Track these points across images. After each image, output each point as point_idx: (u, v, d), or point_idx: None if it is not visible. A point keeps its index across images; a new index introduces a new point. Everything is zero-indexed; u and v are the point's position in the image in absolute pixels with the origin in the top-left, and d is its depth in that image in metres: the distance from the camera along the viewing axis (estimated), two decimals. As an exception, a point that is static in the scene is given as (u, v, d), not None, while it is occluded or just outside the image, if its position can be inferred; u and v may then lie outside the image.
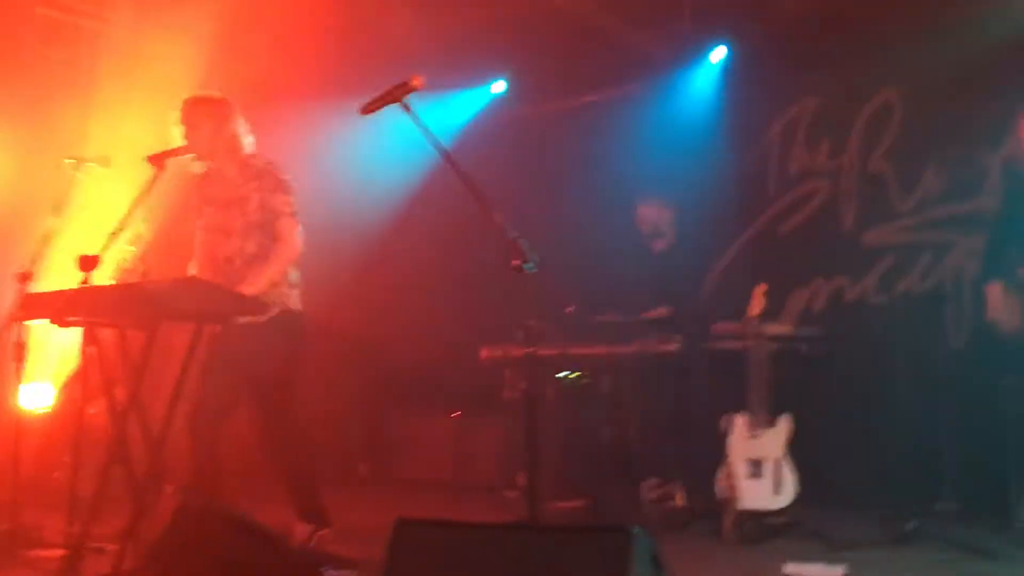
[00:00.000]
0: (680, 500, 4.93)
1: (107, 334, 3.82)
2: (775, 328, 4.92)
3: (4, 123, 5.61)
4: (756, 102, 6.31)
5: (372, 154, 6.48)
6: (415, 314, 6.99)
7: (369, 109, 3.30)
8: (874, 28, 5.71)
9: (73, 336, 3.99)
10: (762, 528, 4.44)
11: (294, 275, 4.14)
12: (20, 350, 4.10)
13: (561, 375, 5.48)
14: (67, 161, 4.35)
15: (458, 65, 6.57)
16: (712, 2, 6.12)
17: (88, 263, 3.55)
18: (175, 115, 4.05)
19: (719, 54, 6.44)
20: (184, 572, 2.83)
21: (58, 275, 4.19)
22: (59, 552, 3.68)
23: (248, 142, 4.14)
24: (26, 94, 5.70)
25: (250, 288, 3.90)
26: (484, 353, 5.51)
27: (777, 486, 4.46)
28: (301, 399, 4.23)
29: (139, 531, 3.40)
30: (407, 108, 3.28)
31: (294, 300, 4.11)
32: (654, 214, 5.59)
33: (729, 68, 6.43)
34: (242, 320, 3.86)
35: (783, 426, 4.54)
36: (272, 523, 3.18)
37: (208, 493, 3.75)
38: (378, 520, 2.73)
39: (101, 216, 4.02)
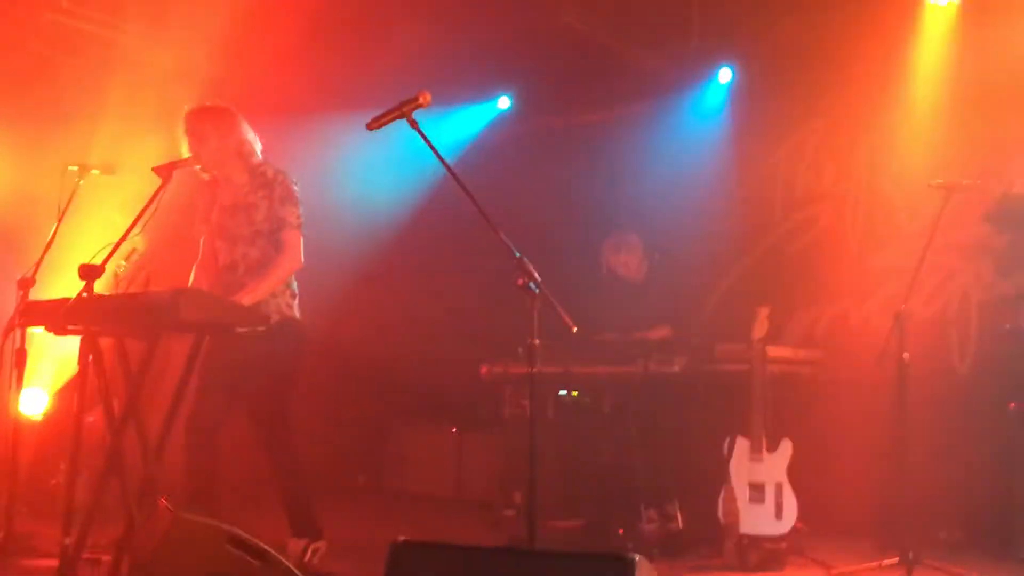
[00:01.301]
0: (679, 523, 4.89)
1: (106, 343, 3.80)
2: (778, 350, 4.89)
3: (8, 128, 5.61)
4: (762, 124, 6.31)
5: (377, 168, 6.48)
6: (417, 328, 6.97)
7: (376, 124, 3.30)
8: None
9: (71, 343, 3.97)
10: (763, 553, 4.40)
11: (294, 284, 4.13)
12: (20, 356, 4.09)
13: (562, 394, 5.45)
14: (71, 168, 4.35)
15: (464, 80, 6.57)
16: (719, 24, 6.12)
17: (90, 272, 3.53)
18: (180, 126, 4.05)
19: (725, 76, 6.44)
20: (177, 587, 2.80)
21: (59, 283, 4.17)
22: (53, 562, 3.65)
23: (257, 148, 4.14)
24: (32, 100, 5.70)
25: (249, 298, 3.89)
26: (484, 370, 5.48)
27: (779, 511, 4.42)
28: (301, 410, 4.21)
29: (133, 543, 3.37)
30: (414, 124, 3.27)
31: (294, 309, 4.10)
32: (613, 250, 5.58)
33: (735, 89, 6.43)
34: (241, 330, 3.85)
35: (785, 450, 4.50)
36: (267, 537, 3.14)
37: (203, 506, 3.72)
38: (374, 534, 2.71)
39: (104, 225, 4.00)
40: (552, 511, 5.01)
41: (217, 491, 3.95)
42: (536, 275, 3.15)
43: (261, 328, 3.83)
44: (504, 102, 7.19)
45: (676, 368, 4.99)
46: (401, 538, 2.41)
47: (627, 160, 6.50)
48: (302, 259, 4.09)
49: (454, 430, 6.70)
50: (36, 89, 5.70)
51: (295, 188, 4.09)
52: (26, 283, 4.09)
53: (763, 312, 4.62)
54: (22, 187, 5.44)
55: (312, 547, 4.03)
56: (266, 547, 3.02)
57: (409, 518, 5.74)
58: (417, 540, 2.40)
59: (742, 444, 4.53)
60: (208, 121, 4.04)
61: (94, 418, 4.44)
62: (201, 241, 4.21)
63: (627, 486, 5.12)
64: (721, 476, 4.54)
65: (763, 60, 6.17)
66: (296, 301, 4.12)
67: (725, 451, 4.56)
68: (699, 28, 6.18)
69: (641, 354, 5.08)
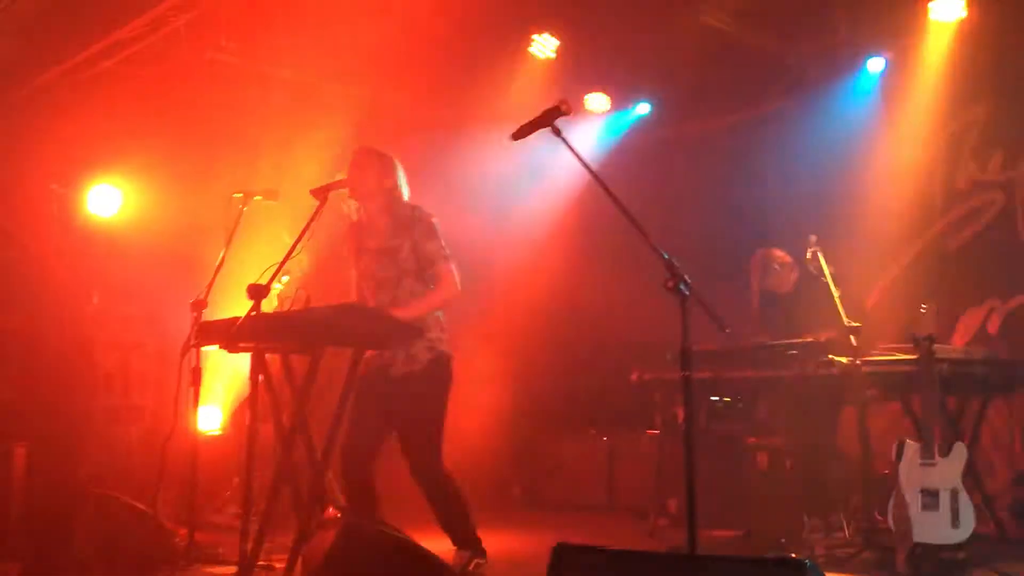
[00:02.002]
0: (846, 532, 4.69)
1: (275, 359, 4.00)
2: (946, 350, 4.62)
3: (181, 161, 6.01)
4: (918, 113, 6.01)
5: (517, 179, 6.56)
6: (567, 336, 7.00)
7: (521, 134, 3.33)
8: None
9: (243, 361, 4.19)
10: (939, 563, 4.16)
11: (442, 318, 4.21)
12: (196, 375, 4.33)
13: (714, 399, 5.34)
14: (236, 195, 4.59)
15: (604, 88, 6.58)
16: (867, 10, 5.88)
17: (257, 292, 3.73)
18: (346, 159, 4.23)
19: (876, 65, 6.18)
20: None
21: (229, 303, 4.41)
22: (232, 568, 3.85)
23: (405, 193, 4.27)
24: (200, 135, 6.09)
25: (405, 313, 4.00)
26: (635, 376, 5.44)
27: (954, 518, 4.17)
28: (454, 424, 4.29)
29: (305, 550, 3.52)
30: (557, 132, 3.28)
31: (444, 343, 4.18)
32: (761, 269, 5.41)
33: (887, 79, 6.16)
34: (398, 371, 3.98)
35: (959, 454, 4.25)
36: (432, 549, 3.21)
37: (367, 516, 3.84)
38: (530, 545, 2.72)
39: (268, 246, 4.21)
40: (708, 520, 4.91)
41: (375, 507, 4.06)
42: (685, 277, 3.10)
43: (414, 368, 3.97)
44: (644, 108, 7.15)
45: (834, 370, 4.81)
46: (563, 542, 2.41)
47: (774, 159, 6.34)
48: (458, 288, 4.17)
49: (605, 439, 6.67)
50: (203, 125, 6.08)
51: (435, 221, 4.19)
52: (199, 305, 4.32)
53: (929, 309, 4.38)
54: (193, 215, 5.81)
55: (476, 560, 4.09)
56: (433, 554, 3.09)
57: (564, 527, 5.74)
58: (579, 544, 2.40)
59: (911, 448, 4.30)
60: (371, 157, 4.23)
61: (264, 432, 4.65)
62: (353, 284, 4.34)
63: (787, 494, 4.96)
64: (890, 482, 4.33)
65: (916, 45, 5.89)
66: (445, 336, 4.20)
67: (893, 456, 4.34)
68: (846, 16, 5.96)
69: (797, 357, 4.92)
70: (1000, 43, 5.53)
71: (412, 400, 4.05)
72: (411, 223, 4.16)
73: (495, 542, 4.26)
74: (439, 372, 4.12)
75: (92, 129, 5.79)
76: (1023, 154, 5.68)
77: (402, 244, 4.14)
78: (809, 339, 5.02)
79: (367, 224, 4.26)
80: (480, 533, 4.15)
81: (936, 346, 4.37)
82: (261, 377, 3.88)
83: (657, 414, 5.69)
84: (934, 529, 4.19)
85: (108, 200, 6.06)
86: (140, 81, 5.85)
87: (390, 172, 4.24)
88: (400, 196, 4.25)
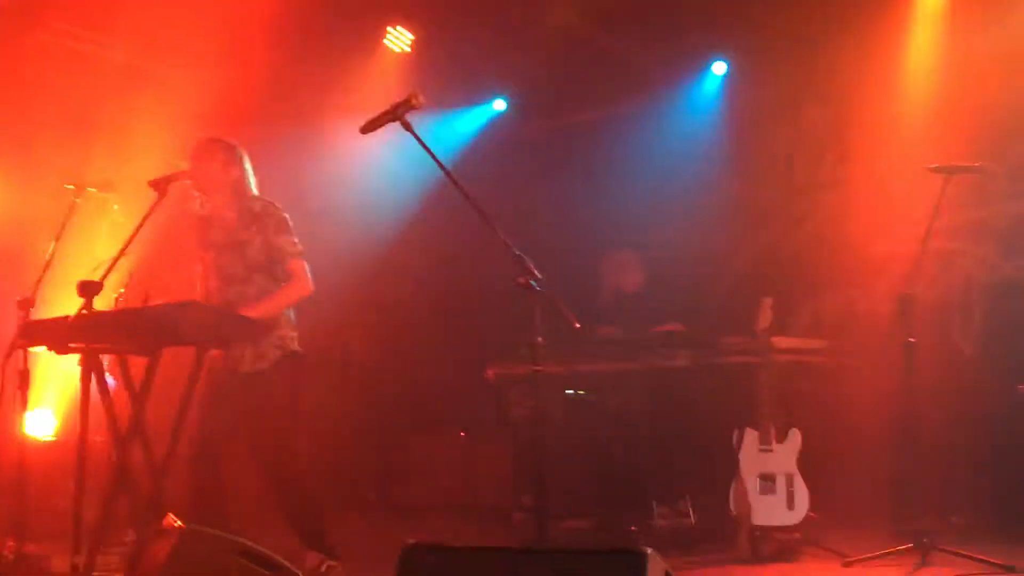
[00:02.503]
0: (692, 517, 4.86)
1: (110, 360, 3.79)
2: (783, 341, 4.87)
3: (7, 148, 5.61)
4: (759, 114, 6.29)
5: (372, 174, 6.47)
6: (419, 334, 6.96)
7: (370, 127, 3.28)
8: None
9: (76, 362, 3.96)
10: (776, 544, 4.38)
11: (293, 317, 4.10)
12: (24, 377, 4.07)
13: (569, 393, 5.43)
14: (67, 187, 4.34)
15: (459, 83, 6.56)
16: (711, 15, 6.10)
17: (88, 288, 3.52)
18: (188, 149, 4.05)
19: (720, 68, 6.43)
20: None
21: (60, 301, 4.16)
22: (64, 582, 3.64)
23: (252, 183, 4.12)
24: (27, 120, 5.69)
25: (254, 311, 3.87)
26: (491, 372, 5.46)
27: (790, 501, 4.40)
28: (306, 425, 4.19)
29: (142, 560, 3.35)
30: (407, 126, 3.25)
31: (294, 342, 4.08)
32: (613, 271, 5.61)
33: (730, 81, 6.42)
34: (245, 368, 3.86)
35: (794, 440, 4.48)
36: (279, 553, 3.11)
37: (211, 523, 3.70)
38: (386, 546, 2.68)
39: (102, 242, 4.00)
40: (563, 511, 4.99)
41: (224, 509, 3.94)
42: (537, 273, 3.14)
43: (262, 367, 3.85)
44: (499, 104, 7.19)
45: (681, 362, 4.98)
46: (411, 541, 2.38)
47: (623, 157, 6.49)
48: (311, 285, 4.07)
49: (462, 435, 6.67)
50: (31, 109, 5.69)
51: (286, 216, 4.07)
52: (26, 303, 4.06)
53: (766, 303, 4.60)
54: (20, 207, 5.44)
55: (327, 563, 4.00)
56: (278, 558, 3.00)
57: (421, 528, 5.71)
58: (427, 542, 2.38)
59: (751, 436, 4.51)
60: (213, 147, 4.06)
61: (100, 438, 4.42)
62: (197, 280, 4.17)
63: (638, 483, 5.10)
64: (731, 469, 4.52)
65: (757, 49, 6.16)
66: (295, 334, 4.10)
67: (734, 443, 4.54)
68: (692, 20, 6.16)
69: (645, 349, 5.07)
70: (828, 47, 5.84)
71: (261, 398, 3.94)
72: (261, 217, 4.03)
73: (349, 546, 4.19)
74: (289, 370, 4.02)
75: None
76: (853, 154, 6.02)
77: (251, 238, 4.01)
78: (660, 330, 5.18)
79: (213, 217, 4.10)
80: (332, 536, 4.08)
81: (773, 338, 4.61)
82: (93, 376, 3.67)
83: (513, 409, 5.73)
84: (772, 512, 4.40)
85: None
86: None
87: (236, 162, 4.09)
88: (247, 188, 4.11)
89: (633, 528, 4.81)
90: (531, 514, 5.51)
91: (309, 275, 4.06)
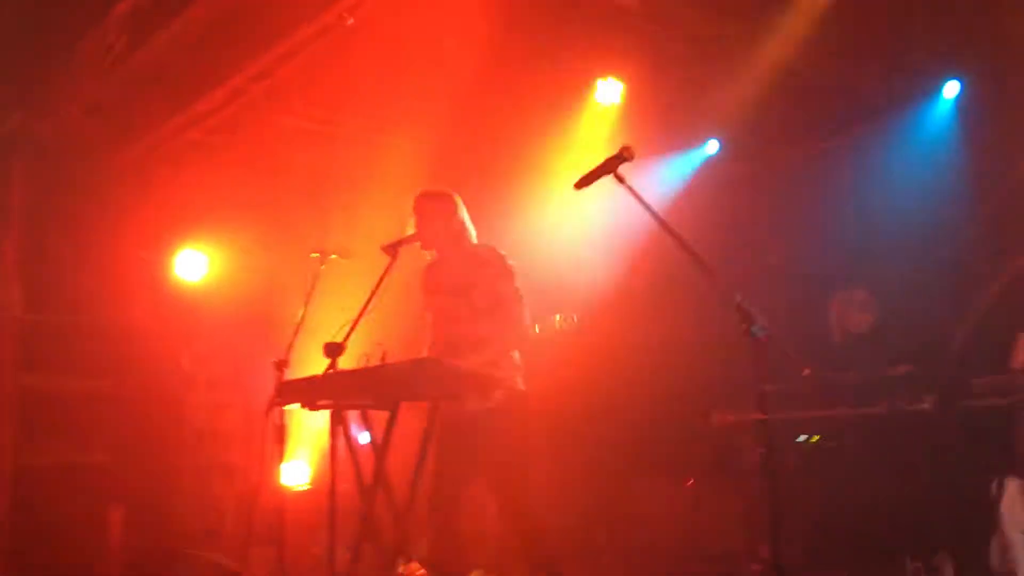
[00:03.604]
0: (948, 574, 4.48)
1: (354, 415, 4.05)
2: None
3: (258, 224, 6.20)
4: (1000, 136, 5.81)
5: (589, 224, 6.55)
6: (645, 382, 6.90)
7: (584, 183, 3.33)
8: None
9: (324, 417, 4.25)
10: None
11: (517, 357, 4.21)
12: (280, 432, 4.42)
13: (800, 439, 5.20)
14: (312, 255, 4.70)
15: (669, 129, 6.55)
16: (940, 32, 5.74)
17: (333, 350, 3.80)
18: (411, 207, 4.30)
19: (952, 89, 6.02)
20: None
21: (310, 361, 4.49)
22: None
23: (472, 232, 4.31)
24: (277, 196, 6.27)
25: (476, 360, 4.01)
26: (715, 418, 5.34)
27: (1063, 558, 3.96)
28: (535, 474, 4.26)
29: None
30: (621, 179, 3.28)
31: (519, 381, 4.18)
32: (844, 311, 5.31)
33: (964, 103, 5.98)
34: (472, 407, 3.99)
35: (1064, 490, 4.04)
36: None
37: (450, 567, 3.83)
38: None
39: (344, 304, 4.29)
40: (805, 565, 4.75)
41: (464, 555, 4.06)
42: (760, 319, 3.05)
43: (490, 403, 3.97)
44: (712, 146, 7.10)
45: (926, 405, 4.63)
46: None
47: (850, 191, 6.19)
48: (530, 330, 4.18)
49: (690, 482, 6.52)
50: (279, 186, 6.26)
51: (511, 263, 4.20)
52: (282, 364, 4.43)
53: (1023, 339, 4.21)
54: (274, 276, 5.96)
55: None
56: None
57: (650, 574, 5.62)
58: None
59: (1013, 485, 4.11)
60: (433, 204, 4.27)
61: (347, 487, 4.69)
62: (427, 324, 4.39)
63: (885, 536, 4.78)
64: (990, 522, 4.13)
65: (993, 67, 5.71)
66: (520, 373, 4.20)
67: (993, 494, 4.15)
68: (919, 40, 5.82)
69: (885, 393, 4.77)
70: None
71: (490, 437, 4.04)
72: (487, 263, 4.19)
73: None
74: (514, 408, 4.11)
75: (176, 197, 6.03)
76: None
77: (475, 283, 4.17)
78: (902, 371, 4.86)
79: (440, 264, 4.31)
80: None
81: (1034, 377, 4.20)
82: (341, 429, 3.94)
83: (744, 457, 5.56)
84: (1042, 570, 3.98)
85: (194, 265, 6.27)
86: (220, 150, 6.07)
87: (455, 212, 4.28)
88: (468, 235, 4.29)
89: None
90: (768, 567, 5.29)
91: (528, 321, 4.16)
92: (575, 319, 4.75)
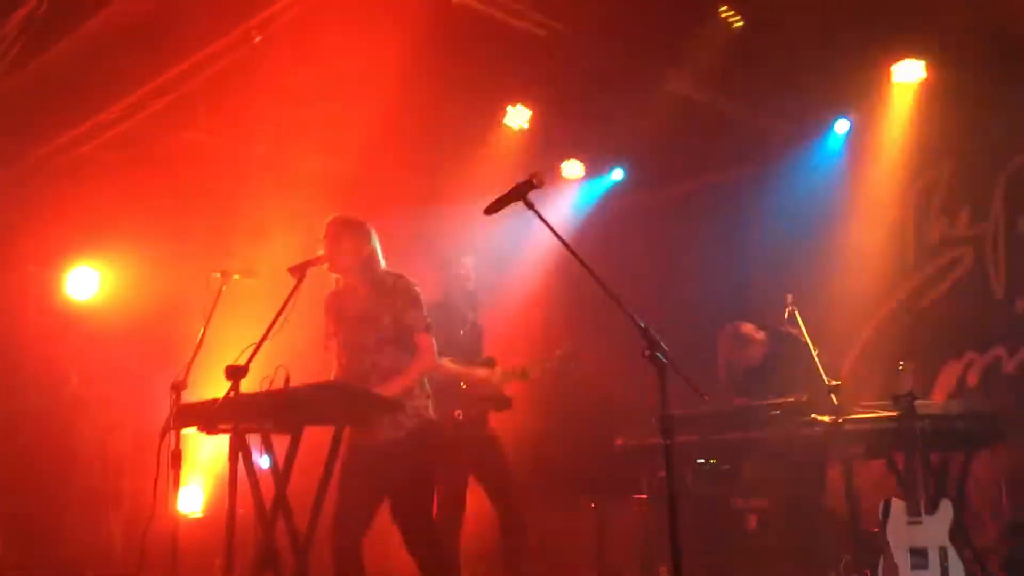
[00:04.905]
0: (839, 592, 4.64)
1: (254, 439, 3.96)
2: (927, 405, 4.65)
3: (158, 241, 6.04)
4: (885, 172, 6.12)
5: (495, 249, 6.59)
6: (548, 404, 6.96)
7: (493, 209, 3.37)
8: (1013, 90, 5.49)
9: (222, 441, 4.15)
10: (931, 623, 4.12)
11: (427, 386, 4.21)
12: (176, 457, 4.28)
13: (699, 462, 5.32)
14: (214, 275, 4.59)
15: (578, 155, 6.66)
16: (832, 73, 6.02)
17: (235, 372, 3.72)
18: (321, 230, 4.25)
19: (843, 127, 6.32)
20: None
21: (210, 384, 4.38)
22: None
23: (381, 260, 4.29)
24: (175, 213, 6.11)
25: (387, 390, 3.99)
26: (620, 442, 5.42)
27: (944, 577, 4.15)
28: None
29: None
30: (530, 205, 3.32)
31: (430, 410, 4.17)
32: (731, 346, 5.46)
33: (853, 140, 6.29)
34: (381, 438, 3.96)
35: (945, 511, 4.24)
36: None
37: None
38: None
39: (248, 326, 4.20)
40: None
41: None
42: (663, 344, 3.13)
43: (398, 435, 3.95)
44: (617, 174, 7.25)
45: (818, 429, 4.81)
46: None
47: (744, 221, 6.41)
48: (436, 359, 4.18)
49: (592, 506, 6.60)
50: (178, 204, 6.11)
51: (417, 291, 4.20)
52: (179, 386, 4.29)
53: (907, 366, 4.42)
54: (171, 295, 5.80)
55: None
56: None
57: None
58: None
59: (898, 506, 4.29)
60: (345, 229, 4.23)
61: (244, 513, 4.58)
62: (333, 353, 4.33)
63: (777, 555, 4.92)
64: (879, 542, 4.31)
65: (880, 106, 6.03)
66: (431, 402, 4.20)
67: (880, 515, 4.33)
68: (812, 81, 6.09)
69: (779, 417, 4.92)
70: (960, 101, 5.67)
71: (398, 467, 4.01)
72: (392, 291, 4.17)
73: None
74: (424, 438, 4.10)
75: (70, 212, 5.83)
76: (989, 209, 5.78)
77: (383, 312, 4.15)
78: (790, 399, 5.03)
79: (346, 292, 4.27)
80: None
81: (917, 402, 4.40)
82: (240, 455, 3.84)
83: (643, 479, 5.66)
84: (924, 588, 4.16)
85: (86, 282, 6.05)
86: (117, 164, 5.90)
87: (365, 240, 4.25)
88: (378, 263, 4.26)
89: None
90: (668, 585, 5.39)
91: (435, 350, 4.16)
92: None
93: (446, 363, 4.67)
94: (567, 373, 5.23)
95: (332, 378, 4.25)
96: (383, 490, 4.06)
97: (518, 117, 6.57)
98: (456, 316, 5.09)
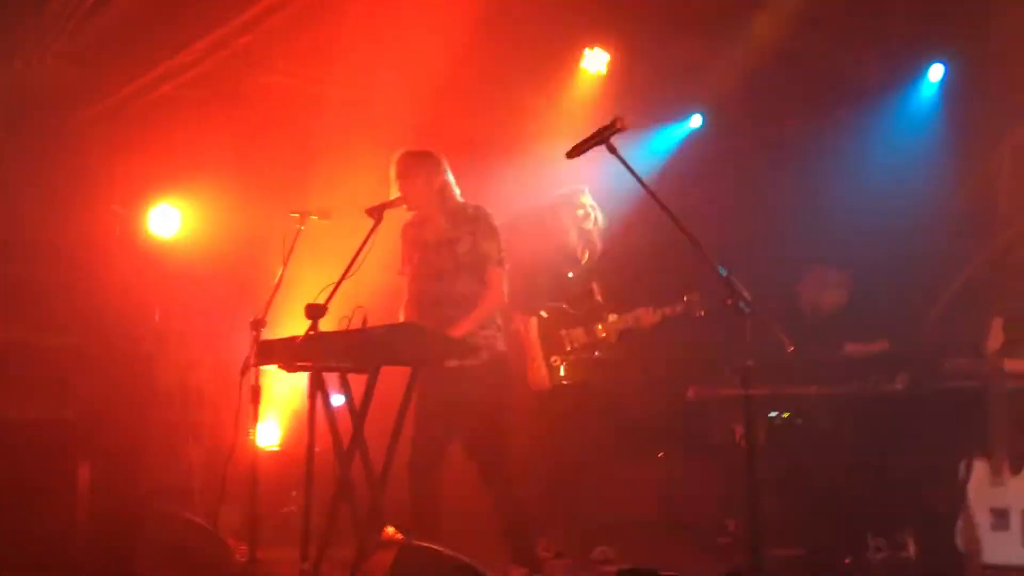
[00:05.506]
0: (911, 552, 4.56)
1: (332, 377, 4.02)
2: (1018, 364, 4.49)
3: (239, 181, 6.10)
4: (981, 122, 5.85)
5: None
6: (620, 354, 6.91)
7: (576, 152, 3.32)
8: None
9: (301, 378, 4.23)
10: (1011, 586, 4.03)
11: (498, 318, 4.22)
12: (256, 393, 4.38)
13: (772, 415, 5.25)
14: (292, 215, 4.64)
15: (656, 101, 6.52)
16: (926, 15, 5.75)
17: (314, 311, 3.77)
18: (391, 169, 4.25)
19: (937, 72, 6.05)
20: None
21: (288, 322, 4.45)
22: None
23: (456, 190, 4.29)
24: (256, 154, 6.17)
25: (459, 331, 4.01)
26: (692, 392, 5.37)
27: (1027, 539, 4.04)
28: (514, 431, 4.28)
29: (363, 569, 3.53)
30: (613, 149, 3.27)
31: (501, 342, 4.19)
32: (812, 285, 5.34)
33: (948, 87, 6.02)
34: (453, 364, 3.98)
35: (1030, 473, 4.12)
36: (488, 566, 3.19)
37: (426, 534, 3.84)
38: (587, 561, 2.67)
39: (326, 265, 4.25)
40: (769, 539, 4.81)
41: (439, 520, 4.07)
42: (746, 293, 3.06)
43: (473, 362, 3.97)
44: (696, 120, 7.08)
45: (899, 386, 4.70)
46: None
47: (830, 171, 6.21)
48: (505, 295, 4.18)
49: (660, 455, 6.58)
50: (259, 145, 6.16)
51: (496, 223, 4.19)
52: (258, 324, 4.38)
53: (996, 323, 4.27)
54: (251, 235, 5.88)
55: (532, 577, 4.07)
56: (489, 574, 3.07)
57: (623, 547, 5.67)
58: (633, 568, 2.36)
59: (981, 467, 4.18)
60: (415, 164, 4.24)
61: (321, 449, 4.68)
62: (407, 280, 4.36)
63: (851, 513, 4.85)
64: (958, 502, 4.21)
65: (979, 51, 5.74)
66: (501, 335, 4.21)
67: (961, 474, 4.22)
68: (903, 22, 5.83)
69: (859, 372, 4.82)
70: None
71: (470, 392, 4.05)
72: (473, 219, 4.18)
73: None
74: (496, 368, 4.12)
75: (152, 151, 5.91)
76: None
77: (462, 237, 4.17)
78: (869, 350, 4.92)
79: (424, 220, 4.29)
80: (538, 553, 4.14)
81: (1006, 360, 4.26)
82: (319, 392, 3.92)
83: (714, 431, 5.61)
84: (1006, 550, 4.06)
85: (168, 220, 6.17)
86: (198, 103, 5.95)
87: (438, 171, 4.26)
88: (452, 193, 4.27)
89: (847, 560, 4.57)
90: (735, 539, 5.37)
91: (504, 285, 4.16)
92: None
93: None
94: (690, 318, 5.11)
95: (402, 310, 4.28)
96: (457, 417, 4.09)
97: (595, 60, 6.45)
98: (567, 258, 5.06)
